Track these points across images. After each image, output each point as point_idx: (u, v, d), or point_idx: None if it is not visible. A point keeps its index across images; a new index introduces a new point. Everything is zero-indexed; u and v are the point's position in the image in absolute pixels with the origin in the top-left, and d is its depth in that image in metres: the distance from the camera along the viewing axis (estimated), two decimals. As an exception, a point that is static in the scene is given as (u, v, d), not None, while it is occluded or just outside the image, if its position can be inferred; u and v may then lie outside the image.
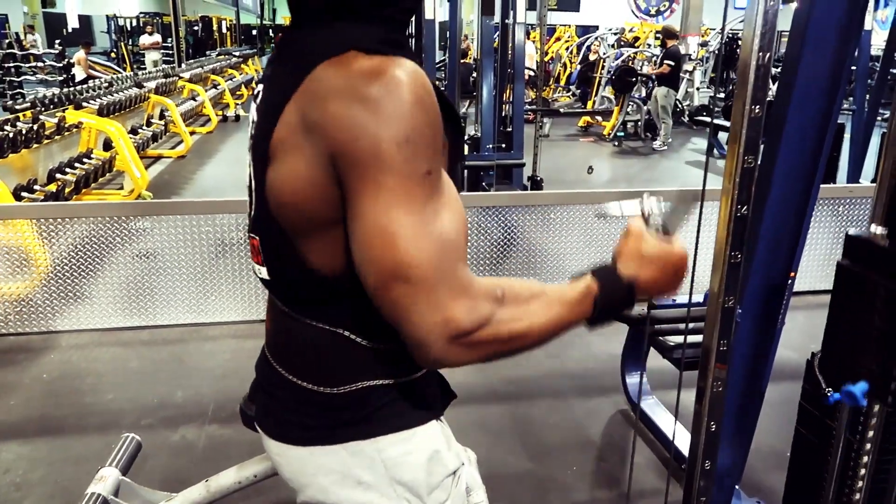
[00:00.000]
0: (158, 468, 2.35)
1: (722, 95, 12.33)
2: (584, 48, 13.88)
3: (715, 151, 8.08)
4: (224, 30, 22.67)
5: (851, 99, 6.12)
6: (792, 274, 1.70)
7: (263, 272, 0.92)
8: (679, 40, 9.85)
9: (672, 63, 9.08)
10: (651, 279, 0.92)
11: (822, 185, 1.43)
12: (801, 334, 3.25)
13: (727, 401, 1.56)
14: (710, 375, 1.17)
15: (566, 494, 2.30)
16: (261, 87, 0.91)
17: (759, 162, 1.06)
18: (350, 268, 0.81)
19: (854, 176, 5.53)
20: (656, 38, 14.88)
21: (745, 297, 1.41)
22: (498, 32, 5.80)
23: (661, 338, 2.39)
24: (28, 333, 3.37)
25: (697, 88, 11.68)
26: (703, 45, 12.45)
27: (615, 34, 14.76)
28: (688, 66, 11.40)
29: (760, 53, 1.02)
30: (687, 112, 10.57)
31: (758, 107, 1.04)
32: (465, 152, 5.26)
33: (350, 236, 0.78)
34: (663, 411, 2.69)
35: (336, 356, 0.91)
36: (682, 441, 2.43)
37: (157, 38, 13.83)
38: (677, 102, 10.63)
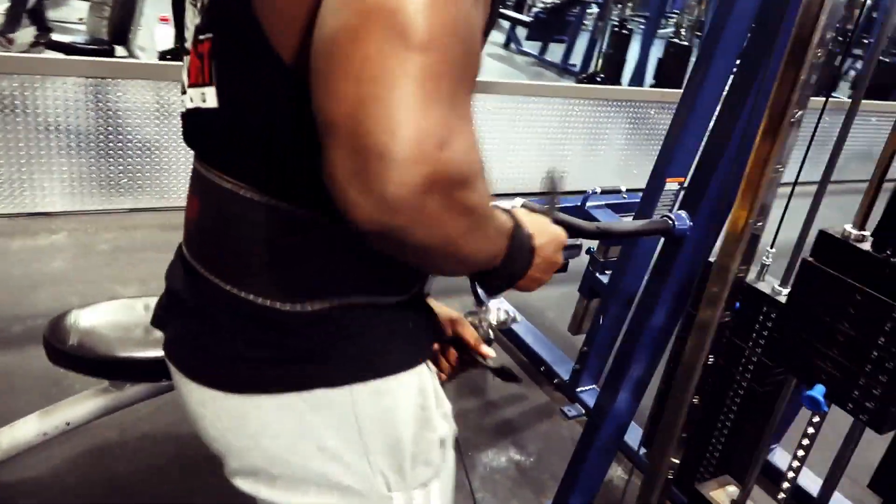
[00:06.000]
0: None
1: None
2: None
3: (512, 45, 8.11)
4: None
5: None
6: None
7: (210, 96, 0.60)
8: None
9: None
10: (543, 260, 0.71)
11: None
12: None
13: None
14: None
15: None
16: None
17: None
18: None
19: (638, 80, 5.93)
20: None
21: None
22: None
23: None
24: None
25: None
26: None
27: None
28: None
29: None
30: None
31: (820, 51, 0.87)
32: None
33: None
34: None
35: (302, 254, 0.61)
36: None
37: None
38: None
